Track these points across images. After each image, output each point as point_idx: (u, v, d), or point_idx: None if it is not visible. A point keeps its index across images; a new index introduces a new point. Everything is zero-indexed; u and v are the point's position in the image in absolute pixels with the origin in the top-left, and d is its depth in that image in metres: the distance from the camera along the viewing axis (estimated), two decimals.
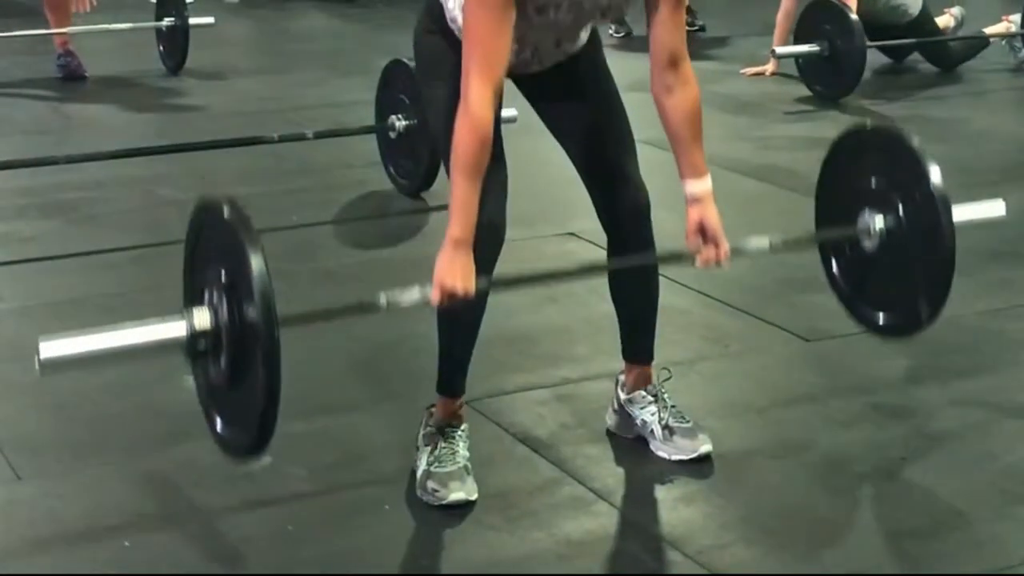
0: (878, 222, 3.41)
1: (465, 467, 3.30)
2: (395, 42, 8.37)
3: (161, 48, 8.35)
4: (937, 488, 3.37)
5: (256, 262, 2.77)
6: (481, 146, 3.00)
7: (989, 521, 3.20)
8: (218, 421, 3.01)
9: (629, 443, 3.54)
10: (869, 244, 3.46)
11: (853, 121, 7.11)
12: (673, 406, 3.48)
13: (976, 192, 5.75)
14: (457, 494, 3.24)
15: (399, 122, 5.64)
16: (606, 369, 3.77)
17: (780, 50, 7.76)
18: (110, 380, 3.97)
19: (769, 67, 8.15)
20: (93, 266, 4.95)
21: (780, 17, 8.05)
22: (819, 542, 3.12)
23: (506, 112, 3.31)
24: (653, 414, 3.47)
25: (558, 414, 3.72)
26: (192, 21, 8.08)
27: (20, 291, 4.74)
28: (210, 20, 8.18)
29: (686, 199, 3.28)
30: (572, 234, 5.14)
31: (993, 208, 3.58)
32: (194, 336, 2.89)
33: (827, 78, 7.55)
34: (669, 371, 3.58)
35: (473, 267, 3.04)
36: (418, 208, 5.60)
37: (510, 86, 3.32)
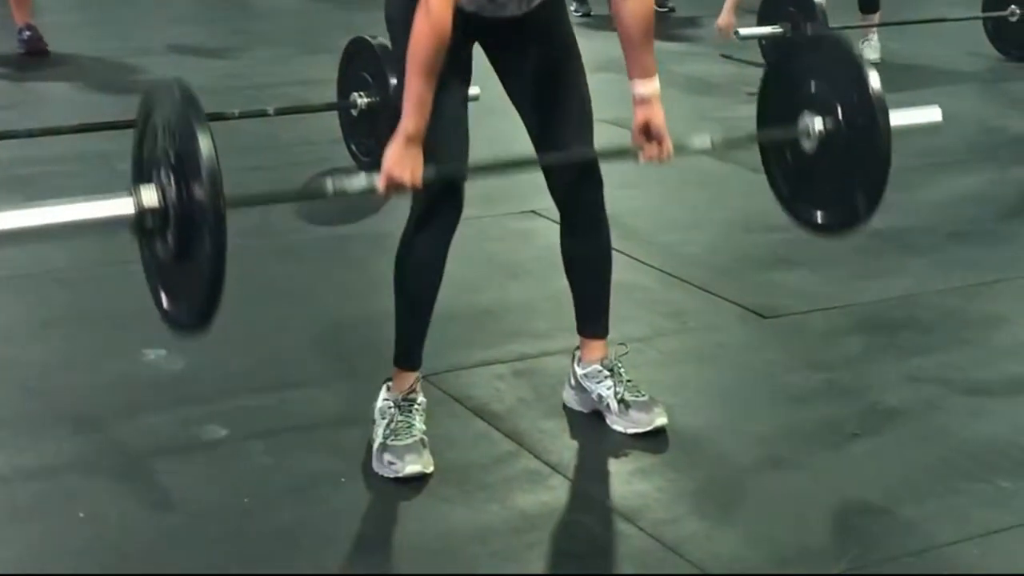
0: (818, 123, 3.47)
1: (421, 440, 3.31)
2: (359, 20, 8.36)
3: None
4: (890, 463, 3.40)
5: (204, 141, 2.77)
6: (440, 45, 3.04)
7: (941, 496, 3.23)
8: (164, 297, 3.02)
9: (585, 418, 3.55)
10: (808, 145, 3.51)
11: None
12: (629, 380, 3.50)
13: (934, 173, 5.86)
14: (413, 467, 3.25)
15: (361, 99, 5.63)
16: (564, 345, 3.78)
17: (744, 31, 7.77)
18: (68, 353, 3.97)
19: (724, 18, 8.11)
20: (51, 240, 4.92)
21: None
22: (771, 516, 3.15)
23: (471, 91, 3.34)
24: (609, 388, 3.49)
25: (516, 389, 3.74)
26: None
27: None
28: None
29: (633, 99, 3.34)
30: (533, 212, 5.15)
31: (930, 114, 3.65)
32: (142, 213, 2.89)
33: None
34: (626, 346, 3.60)
35: (422, 162, 3.09)
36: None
37: (480, 59, 3.34)
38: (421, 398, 3.40)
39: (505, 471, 3.32)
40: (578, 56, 3.41)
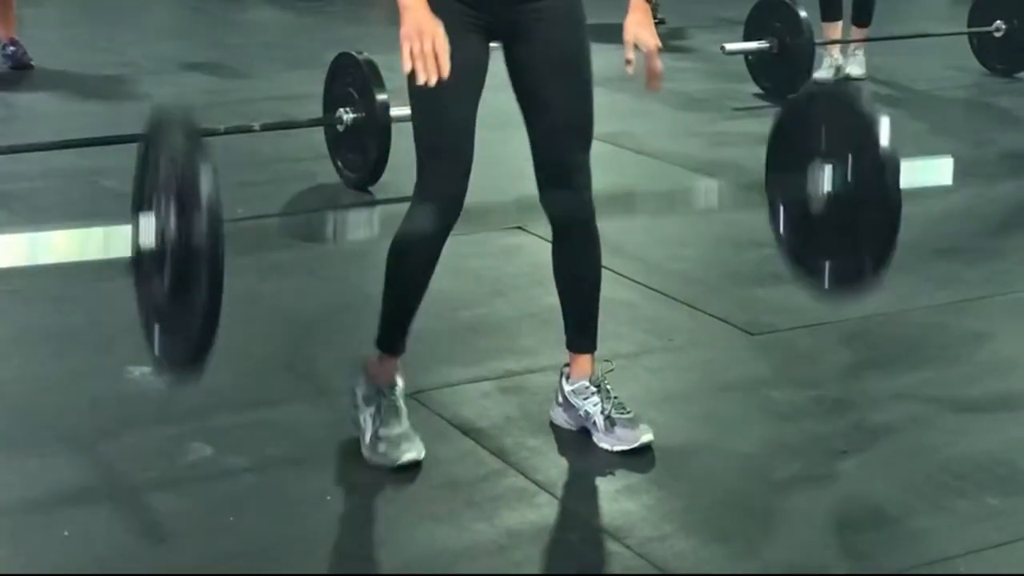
0: (826, 182, 3.43)
1: (411, 426, 3.36)
2: (344, 35, 8.36)
3: None
4: (877, 481, 3.39)
5: (207, 183, 2.75)
6: None
7: (928, 513, 3.23)
8: (156, 339, 2.97)
9: (572, 435, 3.54)
10: (816, 204, 3.47)
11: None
12: (615, 397, 3.50)
13: (927, 190, 5.86)
14: (409, 455, 3.31)
15: (347, 115, 5.62)
16: (551, 362, 3.78)
17: (730, 46, 7.78)
18: (53, 370, 3.95)
19: None
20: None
21: None
22: (759, 534, 3.14)
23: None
24: (596, 405, 3.48)
25: (502, 406, 3.72)
26: None
27: None
28: None
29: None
30: (520, 228, 5.14)
31: (941, 170, 3.62)
32: (139, 244, 2.87)
33: (776, 75, 7.57)
34: (611, 363, 3.59)
35: (431, 16, 3.03)
36: (365, 201, 5.59)
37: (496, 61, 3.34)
38: (401, 382, 3.45)
39: (491, 489, 3.30)
40: (590, 62, 3.39)
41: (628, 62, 3.30)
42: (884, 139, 3.33)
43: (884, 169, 3.32)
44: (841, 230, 3.43)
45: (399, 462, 3.31)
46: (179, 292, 2.85)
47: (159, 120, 3.01)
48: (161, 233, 2.85)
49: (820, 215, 3.45)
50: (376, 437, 3.35)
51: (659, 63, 3.31)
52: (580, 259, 3.50)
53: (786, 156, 3.58)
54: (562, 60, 3.34)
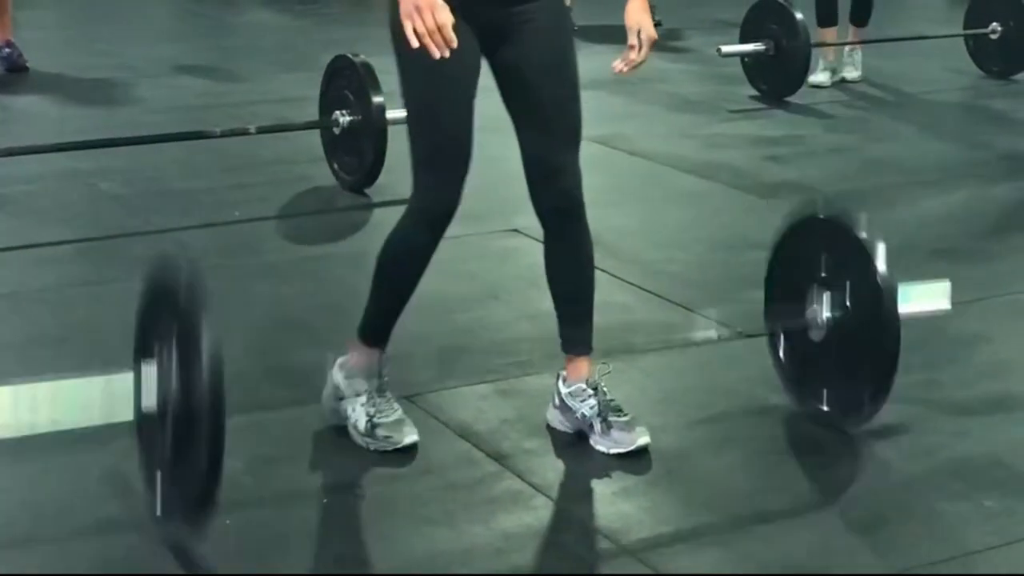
0: (824, 313, 3.46)
1: (403, 411, 3.46)
2: (341, 37, 8.35)
3: None
4: (875, 483, 3.39)
5: (208, 349, 2.77)
6: None
7: (926, 516, 3.22)
8: (159, 500, 2.98)
9: (568, 438, 3.54)
10: (815, 333, 3.51)
11: (796, 119, 7.19)
12: (612, 400, 3.49)
13: (916, 190, 5.86)
14: (410, 437, 3.42)
15: (343, 118, 5.62)
16: (547, 365, 3.77)
17: (726, 49, 7.78)
18: (49, 372, 3.93)
19: None
20: (32, 260, 4.91)
21: None
22: (756, 536, 3.13)
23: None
24: (592, 407, 3.47)
25: (499, 409, 3.72)
26: None
27: None
28: None
29: None
30: (516, 230, 5.14)
31: (939, 299, 3.65)
32: (141, 400, 2.91)
33: (772, 77, 7.58)
34: (608, 366, 3.59)
35: None
36: (361, 204, 5.59)
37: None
38: (386, 370, 3.51)
39: (488, 492, 3.30)
40: (576, 63, 3.41)
41: (631, 47, 3.34)
42: (881, 267, 3.36)
43: (881, 299, 3.37)
44: (840, 360, 3.46)
45: (402, 444, 3.40)
46: (182, 450, 2.87)
47: (161, 272, 3.01)
48: (163, 391, 2.88)
49: (819, 345, 3.49)
50: (372, 424, 3.42)
51: (648, 55, 3.36)
52: (572, 259, 3.52)
53: (783, 285, 3.62)
54: (549, 61, 3.37)
